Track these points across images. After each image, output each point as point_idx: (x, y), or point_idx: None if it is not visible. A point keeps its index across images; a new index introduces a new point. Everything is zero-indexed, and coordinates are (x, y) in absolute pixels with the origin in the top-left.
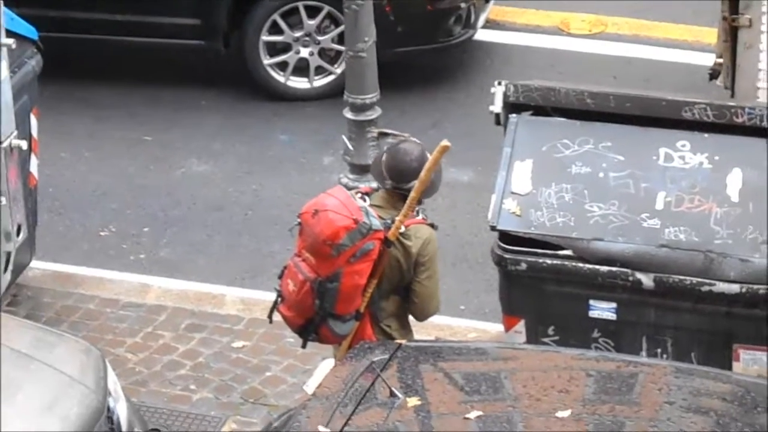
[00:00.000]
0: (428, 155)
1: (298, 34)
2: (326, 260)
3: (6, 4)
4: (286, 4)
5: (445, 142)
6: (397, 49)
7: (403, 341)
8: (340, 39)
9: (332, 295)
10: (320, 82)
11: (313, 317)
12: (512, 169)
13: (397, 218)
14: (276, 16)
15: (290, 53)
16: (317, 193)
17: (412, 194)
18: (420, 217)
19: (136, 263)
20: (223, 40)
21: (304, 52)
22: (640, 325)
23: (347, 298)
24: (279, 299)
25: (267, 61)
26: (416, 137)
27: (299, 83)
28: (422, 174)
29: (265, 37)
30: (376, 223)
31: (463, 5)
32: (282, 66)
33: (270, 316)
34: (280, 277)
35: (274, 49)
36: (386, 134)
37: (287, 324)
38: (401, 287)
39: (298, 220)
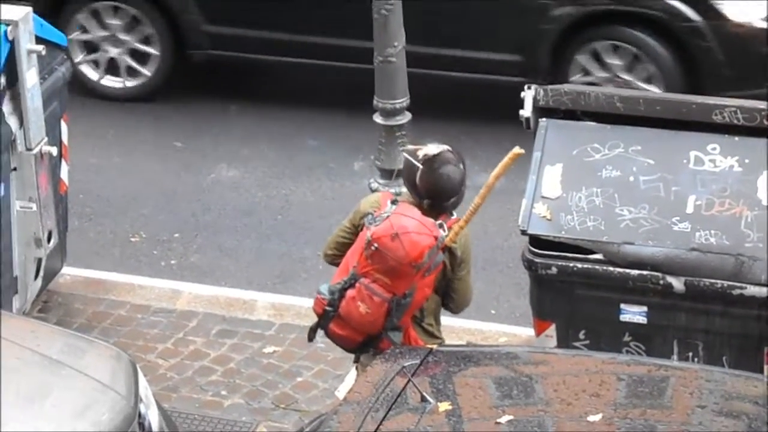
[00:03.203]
0: (464, 170)
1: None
2: (404, 279)
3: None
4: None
5: (517, 149)
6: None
7: (434, 346)
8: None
9: (404, 309)
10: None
11: (378, 333)
12: (542, 174)
13: (456, 225)
14: None
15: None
16: (347, 198)
17: (477, 200)
18: (454, 216)
19: (167, 269)
20: None
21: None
22: (671, 329)
23: (414, 309)
24: (325, 321)
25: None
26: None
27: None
28: (490, 179)
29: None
30: (444, 235)
31: None
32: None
33: (312, 336)
34: (337, 299)
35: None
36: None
37: (338, 343)
38: (441, 286)
39: (375, 245)
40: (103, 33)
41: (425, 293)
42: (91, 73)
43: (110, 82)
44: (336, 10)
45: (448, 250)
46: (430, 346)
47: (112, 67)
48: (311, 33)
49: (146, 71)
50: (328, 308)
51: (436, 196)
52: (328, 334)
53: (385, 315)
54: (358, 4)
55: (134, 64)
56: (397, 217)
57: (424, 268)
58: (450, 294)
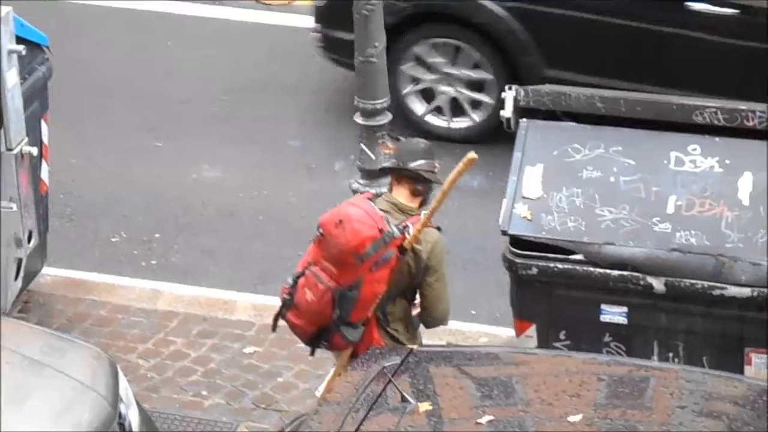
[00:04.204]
0: (431, 151)
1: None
2: (348, 269)
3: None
4: None
5: (472, 154)
6: None
7: (414, 346)
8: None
9: (351, 303)
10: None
11: (327, 325)
12: (523, 174)
13: (415, 227)
14: None
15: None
16: (328, 198)
17: (434, 204)
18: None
19: (148, 269)
20: None
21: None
22: (652, 330)
23: (364, 305)
24: (284, 308)
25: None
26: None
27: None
28: (445, 185)
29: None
30: (396, 232)
31: None
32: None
33: (274, 326)
34: (293, 286)
35: None
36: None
37: (296, 333)
38: (409, 291)
39: (321, 230)
40: (434, 76)
41: (375, 289)
42: (417, 107)
43: (435, 120)
44: (690, 64)
45: (413, 252)
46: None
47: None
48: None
49: (475, 116)
50: (286, 296)
51: (402, 147)
52: (288, 324)
53: (330, 305)
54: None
55: (466, 105)
56: (346, 206)
57: (370, 261)
58: (421, 302)
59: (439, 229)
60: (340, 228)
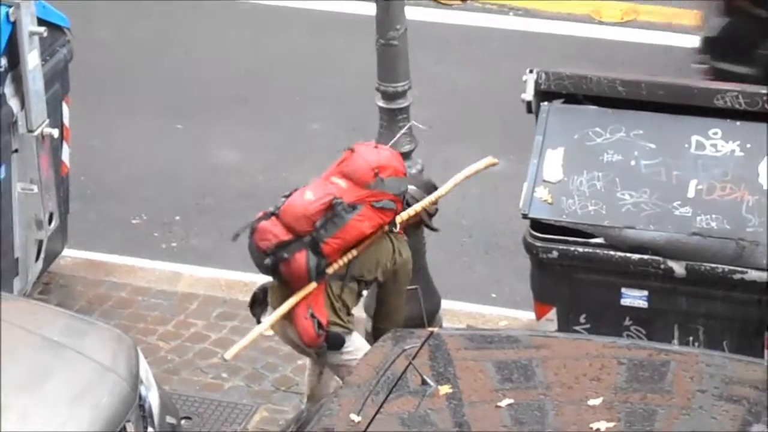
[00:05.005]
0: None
1: None
2: (359, 188)
3: None
4: None
5: (492, 159)
6: None
7: (435, 329)
8: None
9: (338, 224)
10: None
11: (302, 237)
12: (544, 157)
13: (415, 206)
14: None
15: None
16: None
17: (441, 191)
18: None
19: (168, 251)
20: None
21: None
22: (672, 313)
23: (344, 239)
24: (264, 217)
25: None
26: (448, 125)
27: None
28: (458, 178)
29: None
30: (408, 191)
31: None
32: None
33: (235, 235)
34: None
35: None
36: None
37: (257, 243)
38: (363, 283)
39: (352, 147)
40: None
41: (361, 228)
42: None
43: None
44: None
45: (391, 247)
46: (344, 325)
47: None
48: None
49: None
50: (282, 198)
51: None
52: (254, 238)
53: (322, 213)
54: None
55: None
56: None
57: (378, 193)
58: (378, 305)
59: (435, 229)
60: (374, 149)
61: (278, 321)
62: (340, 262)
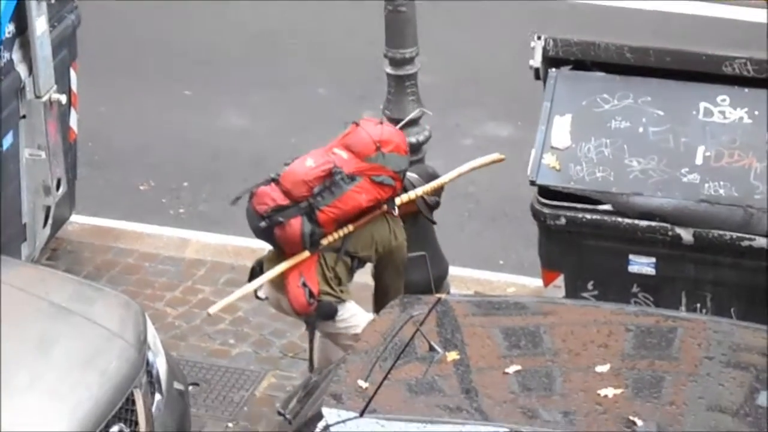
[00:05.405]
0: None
1: None
2: (358, 159)
3: None
4: None
5: (499, 155)
6: None
7: (442, 295)
8: None
9: (335, 193)
10: None
11: (297, 204)
12: (552, 124)
13: (416, 190)
14: None
15: None
16: None
17: (444, 179)
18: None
19: (176, 217)
20: None
21: None
22: (680, 280)
23: (341, 209)
24: (264, 182)
25: None
26: (456, 93)
27: None
28: (463, 168)
29: None
30: (408, 177)
31: None
32: None
33: (235, 199)
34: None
35: None
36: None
37: (255, 207)
38: (356, 259)
39: (358, 122)
40: None
41: (357, 200)
42: None
43: None
44: None
45: (387, 229)
46: (335, 294)
47: None
48: None
49: None
50: (284, 166)
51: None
52: (252, 204)
53: (320, 180)
54: None
55: None
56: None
57: (378, 167)
58: (376, 283)
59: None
60: (378, 125)
61: (271, 289)
62: (335, 235)
